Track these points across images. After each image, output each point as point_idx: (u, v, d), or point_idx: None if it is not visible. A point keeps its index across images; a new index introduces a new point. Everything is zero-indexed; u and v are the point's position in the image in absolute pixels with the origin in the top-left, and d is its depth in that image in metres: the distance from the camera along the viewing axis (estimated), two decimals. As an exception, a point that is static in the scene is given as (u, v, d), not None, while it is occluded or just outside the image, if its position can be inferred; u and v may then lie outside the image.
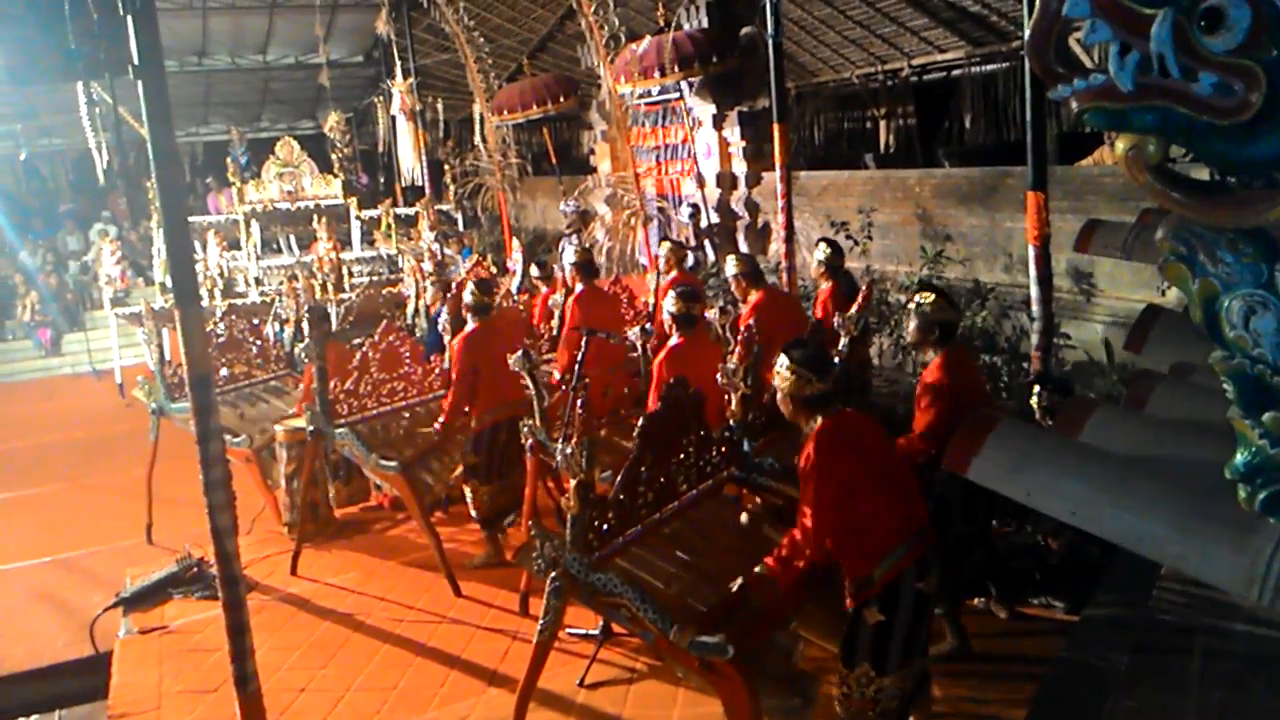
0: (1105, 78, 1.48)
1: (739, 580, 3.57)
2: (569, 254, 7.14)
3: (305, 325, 6.43)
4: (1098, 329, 7.54)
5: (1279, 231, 1.55)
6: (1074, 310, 7.73)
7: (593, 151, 14.36)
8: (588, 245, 9.38)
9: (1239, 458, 1.64)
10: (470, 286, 6.03)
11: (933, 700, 4.03)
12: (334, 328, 7.52)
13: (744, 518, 4.35)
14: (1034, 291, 6.17)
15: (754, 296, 6.29)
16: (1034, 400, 5.08)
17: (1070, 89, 1.51)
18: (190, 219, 13.00)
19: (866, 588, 3.39)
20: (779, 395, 3.55)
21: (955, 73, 12.96)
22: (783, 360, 3.51)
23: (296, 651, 5.21)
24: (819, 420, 3.46)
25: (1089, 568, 4.69)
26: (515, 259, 9.94)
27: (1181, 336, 3.01)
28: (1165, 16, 1.44)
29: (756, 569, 3.53)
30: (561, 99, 13.22)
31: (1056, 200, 6.59)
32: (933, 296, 4.41)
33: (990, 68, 12.26)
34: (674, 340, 5.29)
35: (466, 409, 5.81)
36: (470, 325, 5.88)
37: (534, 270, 8.53)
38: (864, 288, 6.21)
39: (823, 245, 6.73)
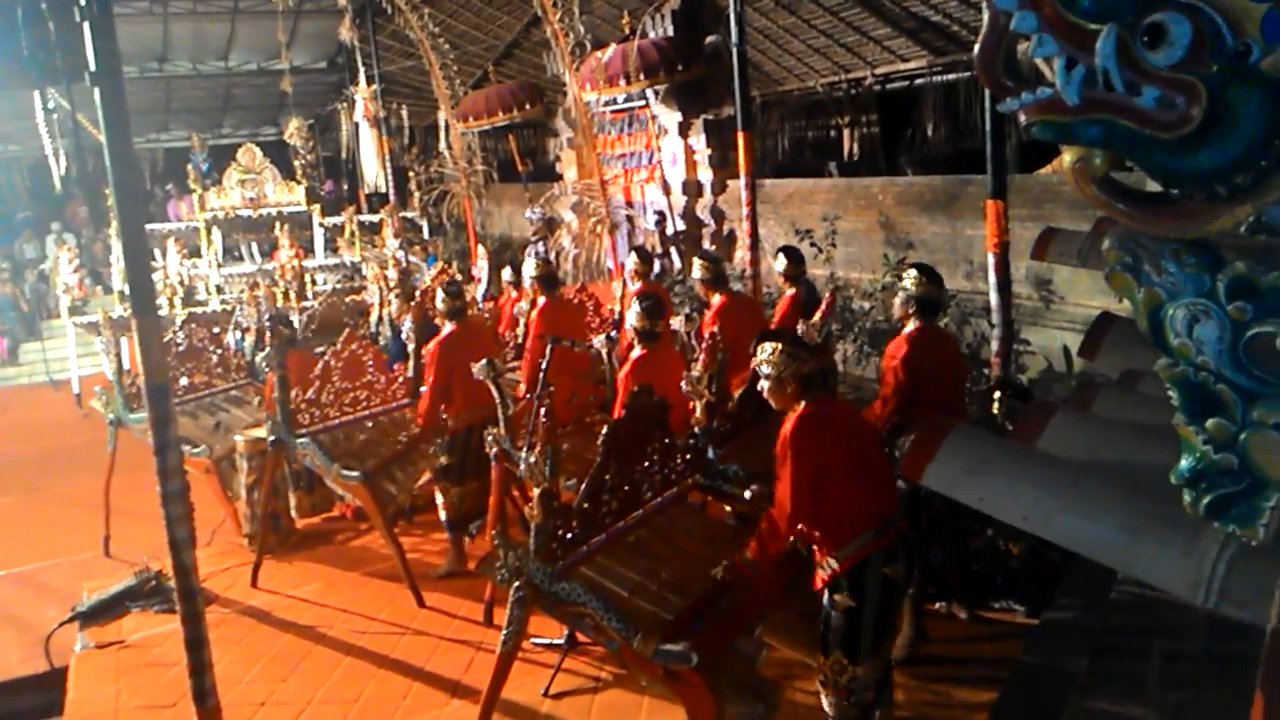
0: (1052, 91, 1.51)
1: (723, 564, 3.62)
2: (529, 265, 7.10)
3: (267, 334, 6.36)
4: (1057, 335, 7.65)
5: (1221, 242, 1.59)
6: (1034, 316, 7.84)
7: (559, 158, 14.36)
8: (549, 255, 9.36)
9: (1184, 463, 1.68)
10: (440, 292, 6.03)
11: (896, 705, 4.06)
12: (297, 336, 7.43)
13: (730, 521, 4.38)
14: (994, 298, 6.26)
15: (716, 300, 6.32)
16: (995, 406, 5.15)
17: (1018, 102, 1.54)
18: (150, 226, 12.85)
19: (835, 567, 3.48)
20: (770, 383, 3.57)
21: (918, 82, 13.08)
22: (769, 346, 3.57)
23: (257, 665, 5.15)
24: (802, 404, 3.52)
25: (1049, 571, 4.76)
26: (481, 266, 9.91)
27: (1135, 344, 3.07)
28: (1109, 32, 1.47)
29: (738, 555, 3.61)
30: (527, 106, 13.23)
31: (1016, 208, 6.70)
32: (915, 274, 4.65)
33: (952, 77, 12.40)
34: (637, 352, 5.30)
35: (445, 410, 5.79)
36: (448, 328, 5.91)
37: (507, 273, 8.49)
38: (828, 295, 6.26)
39: (781, 255, 6.74)
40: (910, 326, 4.63)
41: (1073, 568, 4.45)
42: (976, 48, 1.56)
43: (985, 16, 1.54)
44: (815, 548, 3.57)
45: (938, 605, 4.97)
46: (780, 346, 3.54)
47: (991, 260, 6.20)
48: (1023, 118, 1.55)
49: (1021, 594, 4.98)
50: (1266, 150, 1.45)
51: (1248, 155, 1.46)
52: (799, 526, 3.52)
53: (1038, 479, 1.97)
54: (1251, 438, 1.62)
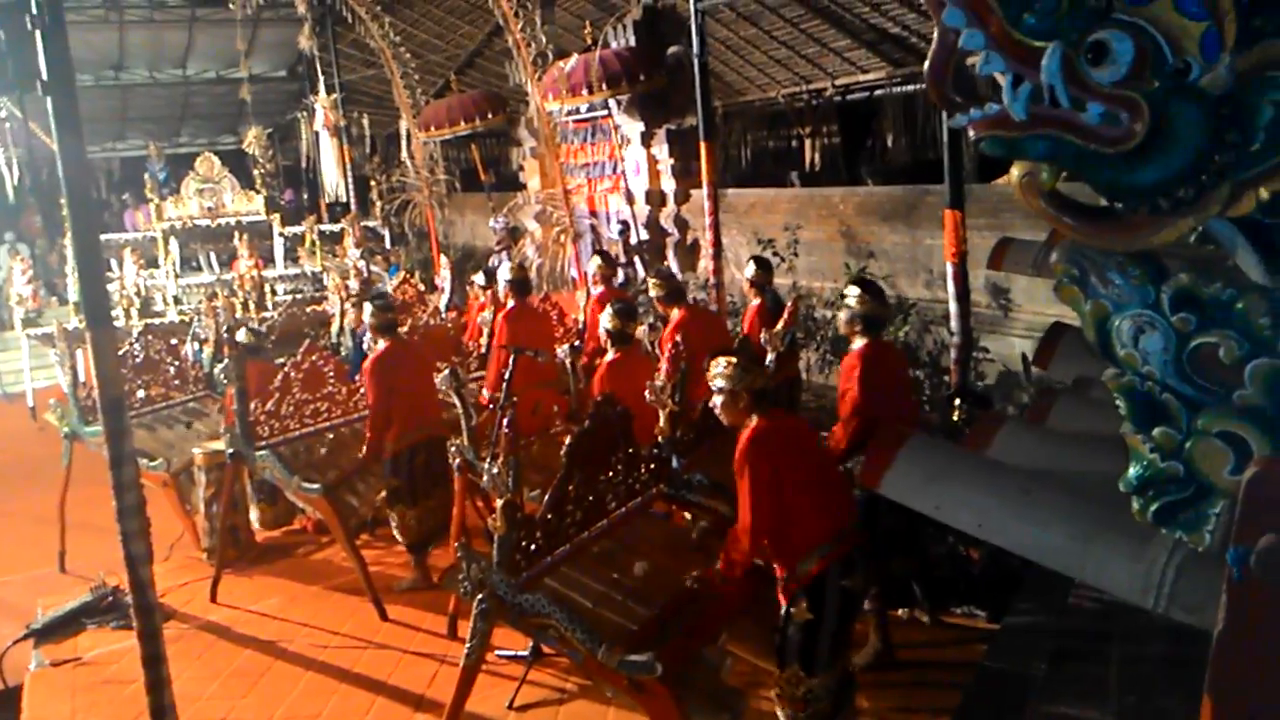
0: (1000, 107, 1.54)
1: (693, 575, 3.65)
2: (504, 270, 7.09)
3: (225, 345, 6.29)
4: (1015, 343, 7.75)
5: (1165, 255, 1.63)
6: (993, 325, 7.94)
7: (522, 168, 14.31)
8: (512, 263, 9.34)
9: (1132, 471, 1.71)
10: (369, 306, 5.88)
11: (859, 712, 4.09)
12: (256, 346, 7.35)
13: (694, 534, 4.38)
14: (953, 307, 6.34)
15: (675, 315, 6.34)
16: (955, 414, 5.21)
17: (967, 117, 1.57)
18: (107, 236, 12.69)
19: (793, 581, 3.50)
20: (722, 400, 3.59)
21: (877, 93, 13.26)
22: (722, 361, 3.59)
23: (216, 681, 5.07)
24: (755, 419, 3.54)
25: (1010, 577, 4.82)
26: (444, 276, 9.87)
27: (1087, 352, 3.12)
28: (1054, 49, 1.50)
29: (710, 567, 3.64)
30: (490, 115, 13.18)
31: (974, 218, 6.79)
32: (858, 291, 4.65)
33: (911, 88, 12.56)
34: (610, 356, 5.32)
35: (390, 432, 5.72)
36: (380, 346, 5.74)
37: (479, 279, 8.46)
38: (790, 303, 6.31)
39: (752, 263, 6.83)
40: (858, 344, 4.64)
41: (1033, 573, 4.50)
42: (927, 64, 1.59)
43: (935, 33, 1.56)
44: (774, 562, 3.58)
45: (900, 611, 5.01)
46: (734, 361, 3.56)
47: (950, 269, 6.29)
48: (972, 133, 1.58)
49: (983, 599, 5.02)
50: (1207, 165, 1.49)
51: (1189, 170, 1.50)
52: (762, 540, 3.53)
53: (991, 487, 2.01)
54: (1196, 446, 1.66)
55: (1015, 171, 1.61)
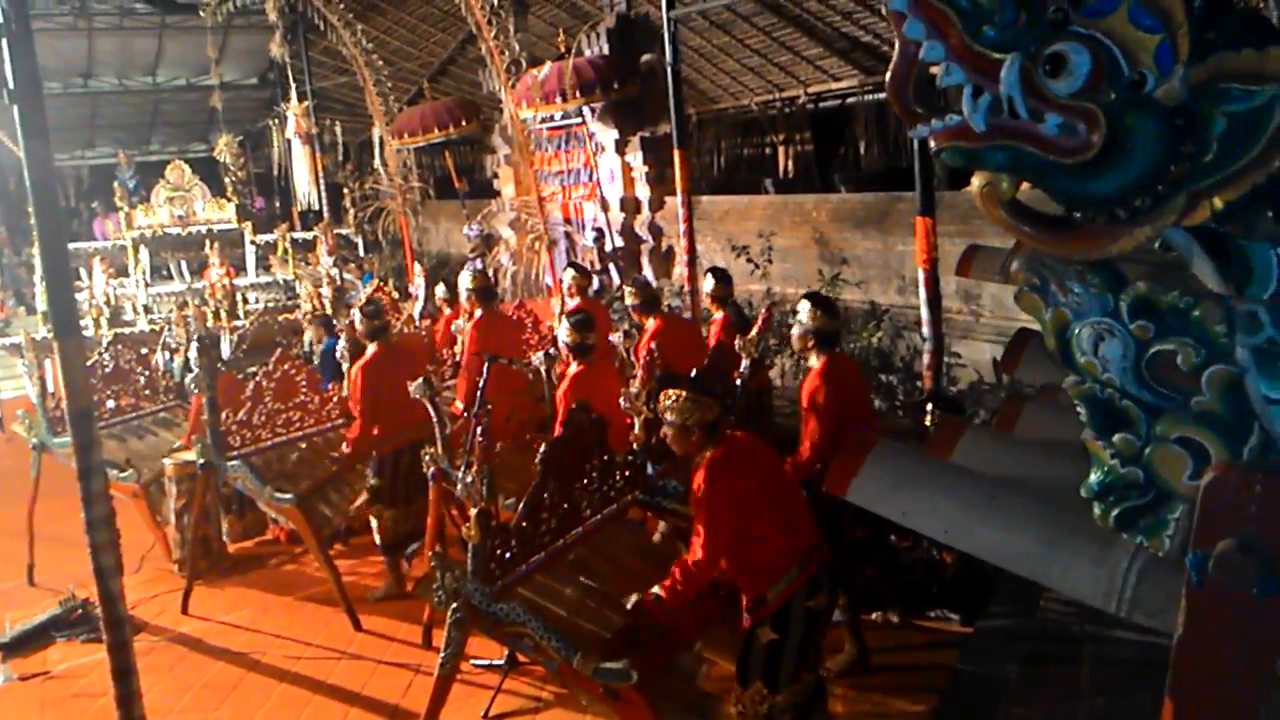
0: (960, 118, 1.56)
1: (633, 598, 3.54)
2: (465, 279, 7.07)
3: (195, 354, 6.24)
4: (987, 348, 7.82)
5: (1123, 263, 1.66)
6: (964, 330, 8.01)
7: (496, 175, 14.30)
8: (486, 269, 9.32)
9: (1093, 477, 1.74)
10: (358, 313, 5.92)
11: (833, 716, 4.10)
12: (228, 355, 7.30)
13: (657, 536, 4.37)
14: (924, 313, 6.39)
15: (651, 324, 6.33)
16: (927, 419, 5.25)
17: (929, 128, 1.59)
18: (75, 245, 12.55)
19: (761, 607, 3.43)
20: (674, 430, 3.50)
21: (849, 100, 13.36)
22: (672, 392, 3.49)
23: (188, 694, 5.02)
24: (709, 450, 3.46)
25: (982, 580, 4.85)
26: (417, 284, 9.83)
27: (1052, 359, 3.16)
28: (1013, 61, 1.53)
29: (652, 590, 3.49)
30: (463, 123, 13.17)
31: (945, 224, 6.85)
32: (809, 306, 4.59)
33: (882, 95, 12.64)
34: (574, 369, 5.31)
35: (375, 434, 5.71)
36: (370, 350, 5.78)
37: (440, 291, 8.43)
38: (764, 310, 6.32)
39: (709, 277, 6.72)
40: (816, 361, 4.58)
41: (1005, 577, 4.54)
42: (888, 75, 1.61)
43: (896, 45, 1.59)
44: (742, 591, 3.51)
45: (874, 615, 5.04)
46: (683, 394, 3.46)
47: (921, 275, 6.34)
48: (933, 143, 1.60)
49: (956, 603, 5.06)
50: (1163, 175, 1.52)
51: (1145, 180, 1.52)
52: (720, 568, 3.45)
53: (957, 493, 2.03)
54: (1156, 452, 1.69)
55: (976, 181, 1.63)
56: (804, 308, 4.60)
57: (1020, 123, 1.54)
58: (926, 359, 6.48)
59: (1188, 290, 1.64)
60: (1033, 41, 1.53)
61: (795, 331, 4.67)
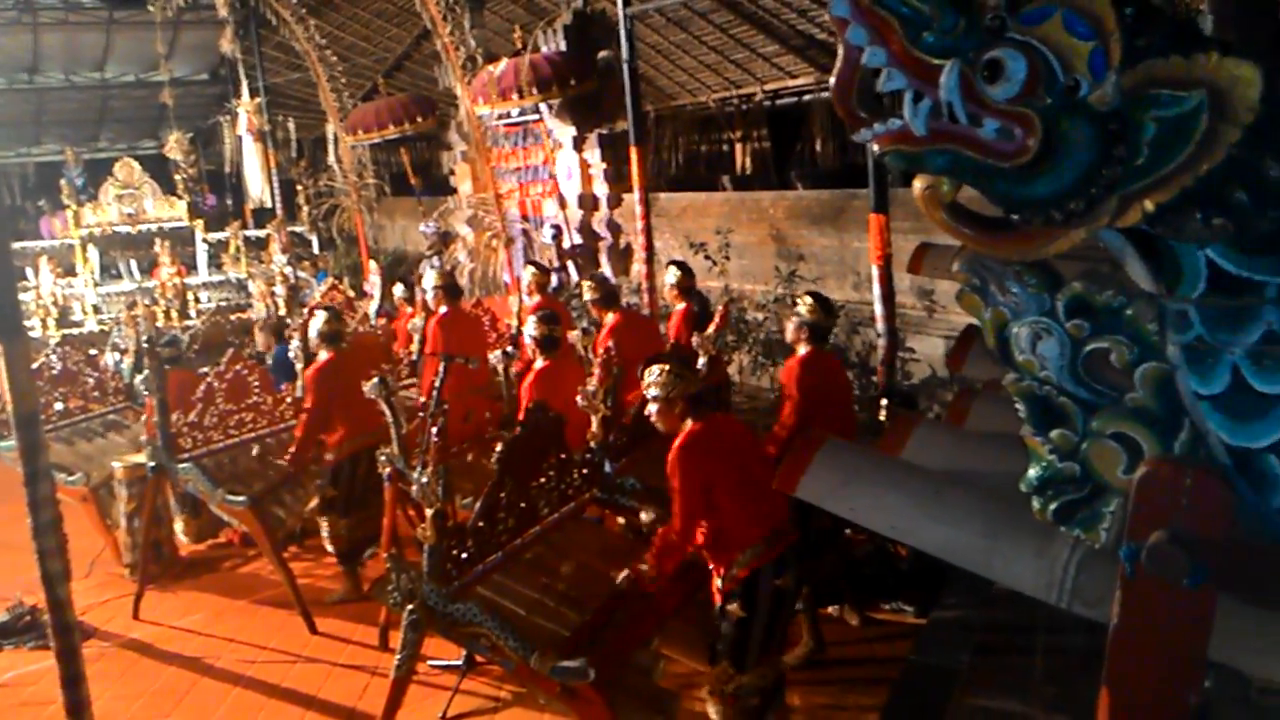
0: (902, 123, 1.59)
1: (624, 574, 3.66)
2: (429, 277, 7.03)
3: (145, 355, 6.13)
4: (940, 343, 7.94)
5: (1059, 264, 1.70)
6: (918, 325, 8.12)
7: (453, 172, 14.18)
8: (449, 268, 9.27)
9: (1032, 472, 1.78)
10: (319, 316, 5.83)
11: (791, 709, 4.15)
12: (179, 355, 7.17)
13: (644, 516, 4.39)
14: (878, 309, 6.47)
15: (610, 319, 6.35)
16: (882, 413, 5.33)
17: (871, 132, 1.62)
18: (22, 244, 12.29)
19: (729, 580, 3.56)
20: (657, 406, 3.64)
21: (806, 98, 13.45)
22: (655, 368, 3.63)
23: (139, 700, 4.94)
24: (690, 424, 3.59)
25: (936, 573, 4.93)
26: (373, 282, 9.76)
27: (997, 356, 3.22)
28: (952, 67, 1.56)
29: (637, 564, 3.66)
30: (419, 119, 13.03)
31: (899, 221, 6.92)
32: (810, 301, 4.82)
33: (838, 93, 12.76)
34: (540, 364, 5.31)
35: (321, 440, 5.64)
36: (323, 356, 5.67)
37: (398, 290, 8.36)
38: (721, 306, 6.36)
39: (672, 268, 6.82)
40: (802, 351, 4.77)
41: (958, 569, 4.61)
42: (832, 80, 1.63)
43: (839, 50, 1.61)
44: (710, 561, 3.63)
45: (831, 609, 5.10)
46: (668, 368, 3.61)
47: (876, 272, 6.41)
48: (876, 147, 1.63)
49: (910, 595, 5.14)
50: (1096, 178, 1.56)
51: (1079, 183, 1.56)
52: (696, 541, 3.58)
53: (904, 488, 2.07)
54: (1092, 447, 1.74)
55: (917, 184, 1.66)
56: (805, 301, 4.82)
57: (959, 127, 1.57)
58: (881, 354, 6.56)
59: (1121, 290, 1.68)
60: (971, 47, 1.56)
61: (791, 322, 4.86)
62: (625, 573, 3.68)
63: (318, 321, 5.77)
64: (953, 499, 2.00)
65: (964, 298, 1.79)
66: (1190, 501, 1.62)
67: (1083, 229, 1.58)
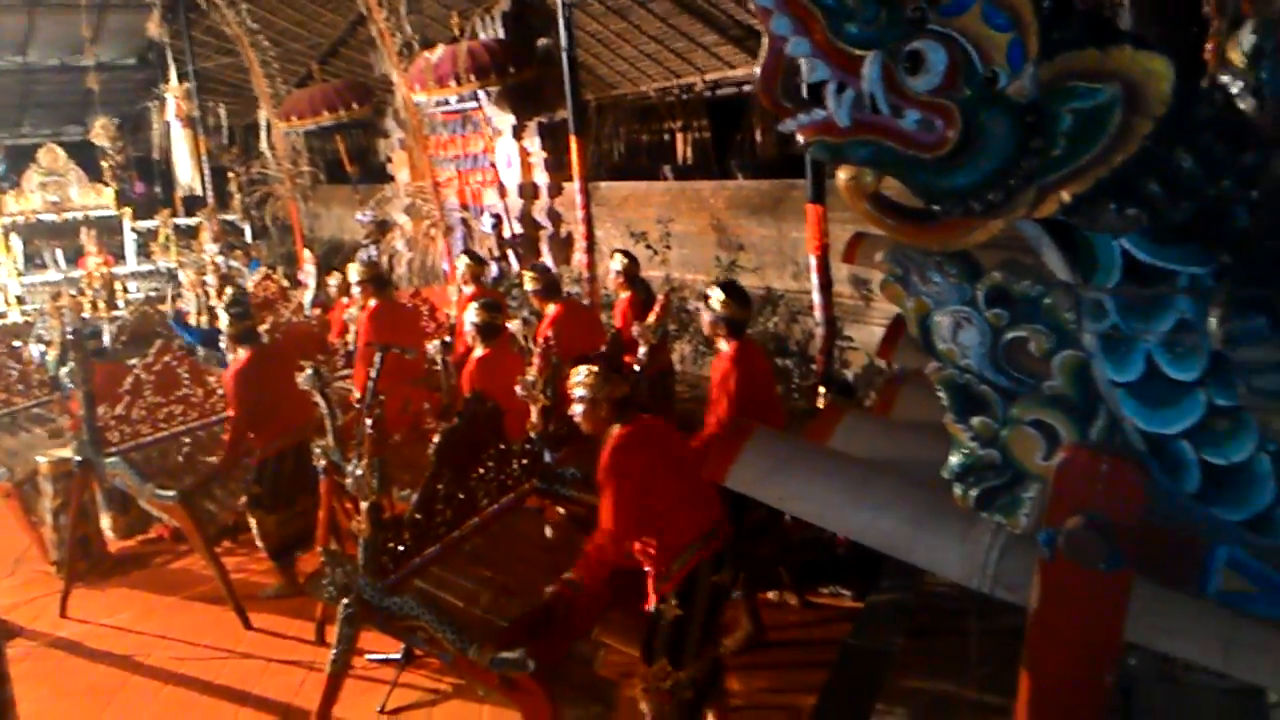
0: (826, 114, 1.60)
1: (551, 587, 3.56)
2: (353, 271, 6.91)
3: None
4: (877, 331, 8.02)
5: (978, 254, 1.73)
6: (856, 314, 8.21)
7: (390, 160, 14.01)
8: (376, 258, 9.14)
9: (953, 459, 1.81)
10: (222, 313, 5.61)
11: (730, 694, 4.18)
12: (106, 347, 7.00)
13: (548, 531, 4.37)
14: (816, 298, 6.54)
15: (551, 309, 6.33)
16: (820, 401, 5.38)
17: (795, 123, 1.63)
18: (-61, 233, 11.86)
19: (665, 581, 3.52)
20: (583, 408, 3.57)
21: (746, 88, 13.48)
22: (584, 370, 3.57)
23: (67, 700, 4.82)
24: (617, 426, 3.55)
25: (873, 558, 5.00)
26: (308, 271, 9.59)
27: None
28: (874, 58, 1.57)
29: (565, 575, 3.53)
30: (355, 105, 12.84)
31: (837, 211, 6.97)
32: (720, 295, 4.65)
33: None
34: (479, 351, 5.27)
35: (251, 437, 5.53)
36: (241, 355, 5.50)
37: (332, 281, 8.23)
38: (662, 296, 6.38)
39: (618, 256, 6.86)
40: (726, 346, 4.66)
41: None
42: (757, 70, 1.63)
43: (764, 41, 1.61)
44: (645, 564, 3.59)
45: (770, 594, 5.15)
46: (596, 370, 3.55)
47: (813, 261, 6.47)
48: (800, 138, 1.64)
49: (848, 579, 5.22)
50: (1014, 169, 1.58)
51: (998, 174, 1.59)
52: (631, 545, 3.54)
53: (831, 477, 2.09)
54: (1011, 434, 1.77)
55: (841, 175, 1.68)
56: (715, 295, 4.64)
57: (881, 118, 1.59)
58: (820, 343, 6.63)
59: (1039, 280, 1.72)
60: (893, 39, 1.58)
61: (706, 318, 4.71)
62: (552, 588, 3.54)
63: (222, 321, 5.59)
64: (879, 486, 2.03)
65: (887, 287, 1.81)
66: (1106, 487, 1.66)
67: (1001, 219, 1.61)
